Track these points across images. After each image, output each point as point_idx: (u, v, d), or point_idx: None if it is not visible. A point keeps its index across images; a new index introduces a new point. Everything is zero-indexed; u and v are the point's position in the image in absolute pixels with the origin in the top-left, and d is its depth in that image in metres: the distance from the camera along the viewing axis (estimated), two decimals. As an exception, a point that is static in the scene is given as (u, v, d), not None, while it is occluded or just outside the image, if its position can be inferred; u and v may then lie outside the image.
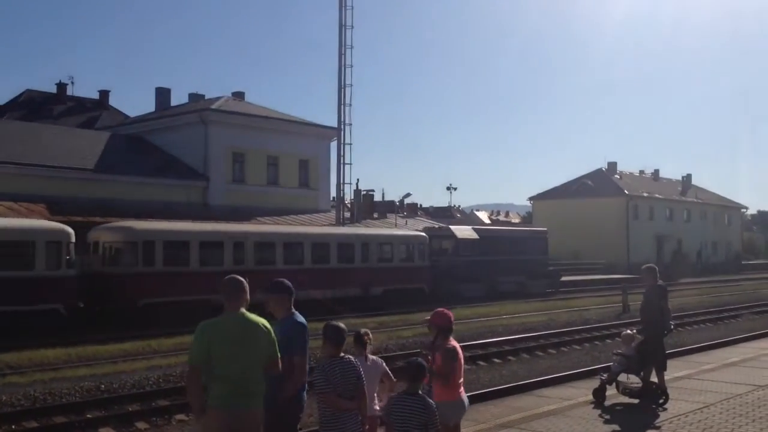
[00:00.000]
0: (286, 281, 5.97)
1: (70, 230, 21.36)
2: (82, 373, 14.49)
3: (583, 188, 66.91)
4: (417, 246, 32.09)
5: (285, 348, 5.60)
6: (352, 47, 39.07)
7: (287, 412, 5.68)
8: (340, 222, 37.08)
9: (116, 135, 38.56)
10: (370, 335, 6.44)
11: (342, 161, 39.03)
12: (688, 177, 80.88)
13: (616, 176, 70.46)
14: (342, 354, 5.62)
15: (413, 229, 36.89)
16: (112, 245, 23.31)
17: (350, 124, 39.23)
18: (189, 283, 22.97)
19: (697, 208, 74.65)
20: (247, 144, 37.65)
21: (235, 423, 5.02)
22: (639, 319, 11.35)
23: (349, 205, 42.54)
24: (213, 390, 5.05)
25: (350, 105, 39.16)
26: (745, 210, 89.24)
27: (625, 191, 65.12)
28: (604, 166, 72.49)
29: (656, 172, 78.46)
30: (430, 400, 5.53)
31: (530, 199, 72.48)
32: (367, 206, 44.06)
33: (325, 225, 35.85)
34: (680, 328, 22.58)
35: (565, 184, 70.65)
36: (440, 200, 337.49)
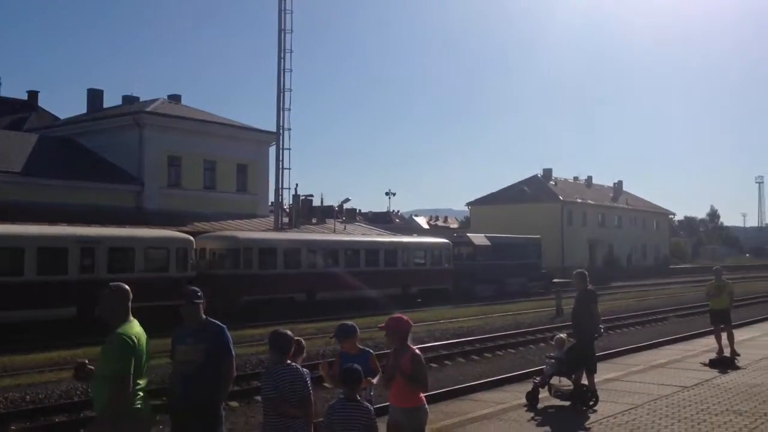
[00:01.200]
0: (197, 289, 6.03)
1: (192, 238, 25.97)
2: (6, 383, 13.94)
3: (519, 194, 68.22)
4: (444, 252, 37.02)
5: (213, 354, 5.71)
6: (291, 51, 38.93)
7: (218, 416, 5.77)
8: (278, 227, 36.74)
9: (45, 137, 37.32)
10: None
11: (281, 166, 38.76)
12: (620, 183, 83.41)
13: (552, 183, 72.13)
14: (288, 361, 5.60)
15: (436, 236, 42.06)
16: (217, 251, 27.90)
17: (289, 129, 39.07)
18: (276, 283, 27.74)
19: (628, 213, 77.00)
20: (183, 148, 36.97)
21: (149, 429, 5.24)
22: (571, 323, 11.59)
23: (287, 210, 42.25)
24: (136, 399, 5.07)
25: (289, 109, 39.02)
26: (672, 216, 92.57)
27: (560, 197, 66.72)
28: (539, 172, 74.13)
29: (589, 178, 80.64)
30: (370, 406, 5.56)
31: (468, 204, 73.53)
32: (306, 211, 43.82)
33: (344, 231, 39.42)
34: (610, 332, 23.16)
35: (502, 189, 71.93)
36: (379, 205, 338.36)
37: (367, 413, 5.44)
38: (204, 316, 5.91)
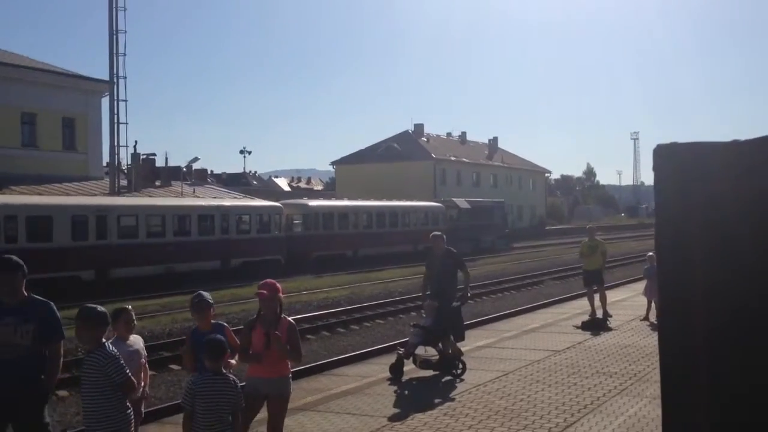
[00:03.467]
0: (16, 257, 5.53)
1: (281, 206, 36.95)
2: None
3: (389, 152, 69.15)
4: (440, 214, 48.41)
5: (42, 337, 5.37)
6: (124, -14, 37.03)
7: (43, 409, 5.50)
8: (114, 191, 35.28)
9: None
10: (133, 314, 6.17)
11: (116, 120, 37.09)
12: (495, 140, 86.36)
13: (423, 139, 73.57)
14: (104, 340, 5.29)
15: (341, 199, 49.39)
16: (292, 216, 38.12)
17: (125, 77, 37.35)
18: (335, 242, 39.11)
19: (503, 172, 79.98)
20: (-6, 98, 34.55)
21: None
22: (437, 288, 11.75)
23: (125, 171, 40.64)
24: None
25: (124, 55, 37.22)
26: (549, 174, 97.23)
27: (433, 155, 68.20)
28: (411, 128, 75.35)
29: (463, 134, 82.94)
30: (236, 380, 5.52)
31: (333, 163, 73.76)
32: (148, 172, 42.28)
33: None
34: (484, 297, 24.19)
35: (370, 147, 72.63)
36: (234, 165, 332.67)
37: (235, 388, 5.43)
38: (25, 292, 5.47)
